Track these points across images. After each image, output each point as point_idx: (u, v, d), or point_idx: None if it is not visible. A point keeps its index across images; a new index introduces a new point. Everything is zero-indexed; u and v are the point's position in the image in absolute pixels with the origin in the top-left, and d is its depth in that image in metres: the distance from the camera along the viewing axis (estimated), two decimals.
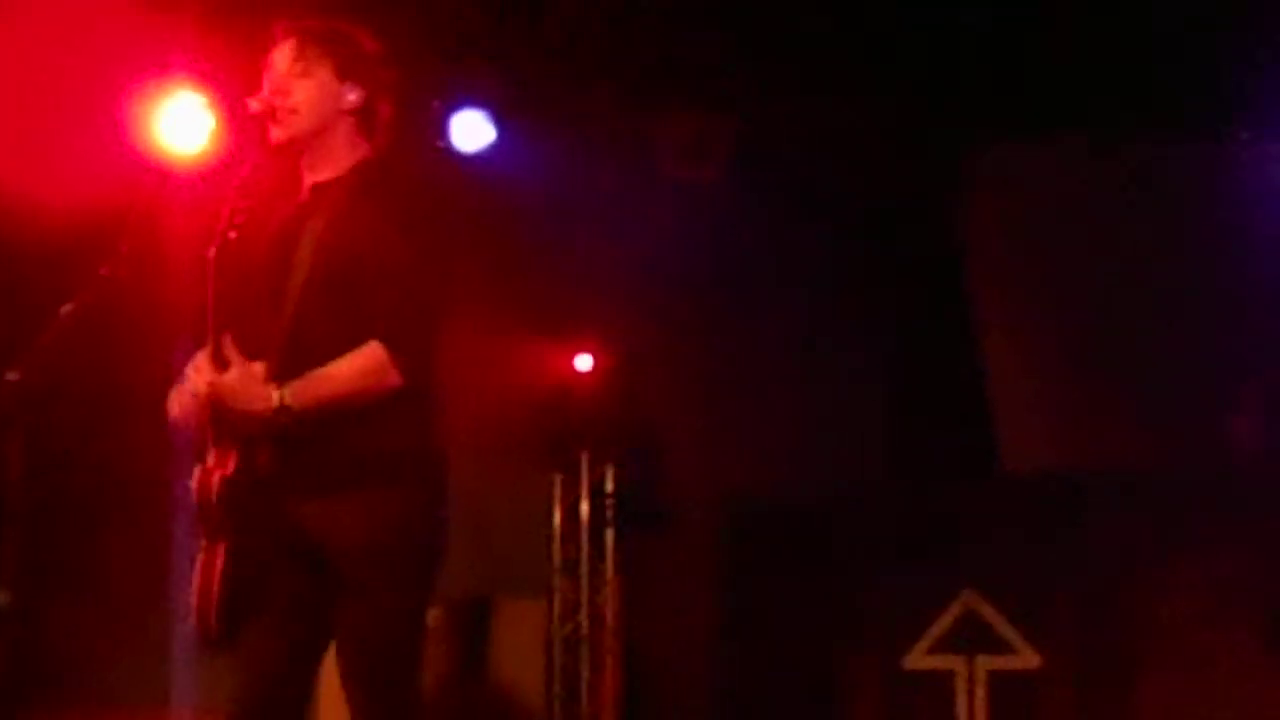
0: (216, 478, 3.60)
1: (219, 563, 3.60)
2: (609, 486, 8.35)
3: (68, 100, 6.16)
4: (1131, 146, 7.41)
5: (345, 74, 3.84)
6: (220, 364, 3.61)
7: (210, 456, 3.64)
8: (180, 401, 3.78)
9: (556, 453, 8.38)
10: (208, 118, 6.10)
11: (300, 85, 3.81)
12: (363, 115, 3.86)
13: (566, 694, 8.19)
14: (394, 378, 3.63)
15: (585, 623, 8.25)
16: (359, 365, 3.63)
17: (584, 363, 8.26)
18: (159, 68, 6.14)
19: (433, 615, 7.62)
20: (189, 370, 3.67)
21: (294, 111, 3.79)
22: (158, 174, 5.15)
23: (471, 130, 7.36)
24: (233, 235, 3.65)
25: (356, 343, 3.64)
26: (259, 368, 3.66)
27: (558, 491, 8.40)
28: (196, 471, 3.64)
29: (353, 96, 3.84)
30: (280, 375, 3.65)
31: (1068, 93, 7.06)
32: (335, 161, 3.82)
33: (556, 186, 7.59)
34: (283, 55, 3.84)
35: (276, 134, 3.81)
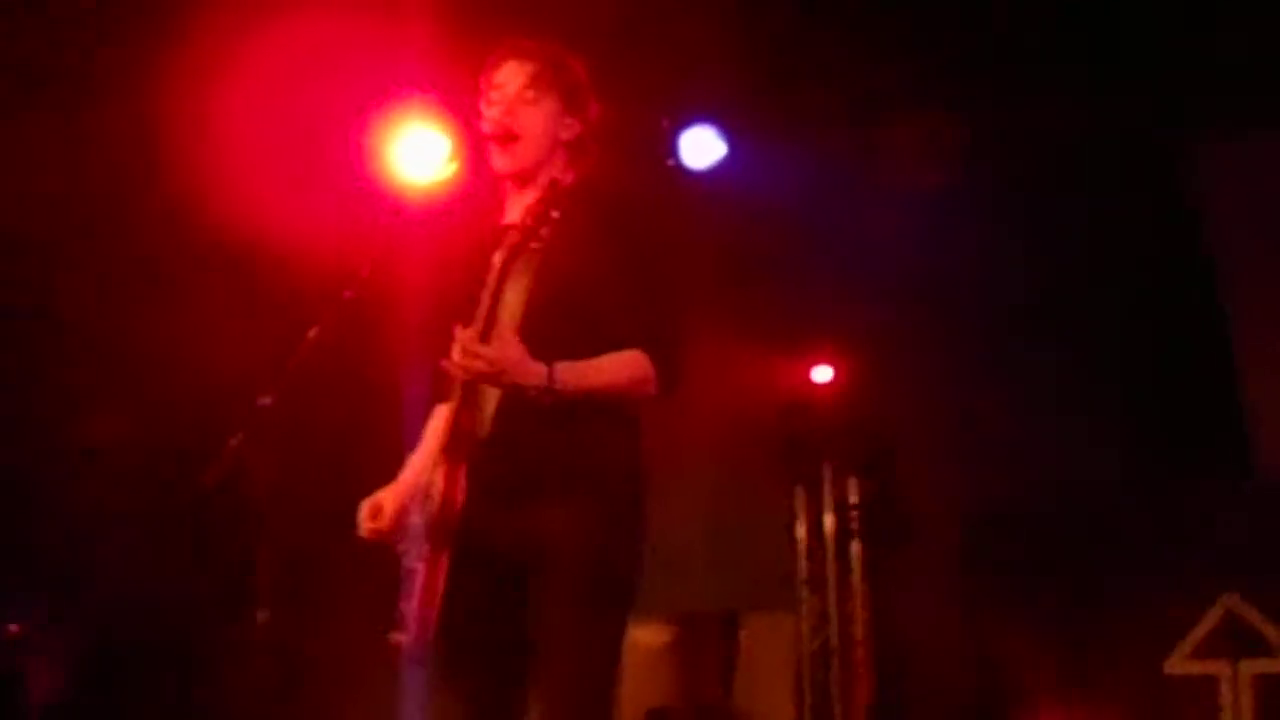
0: (460, 494, 3.64)
1: (441, 577, 3.64)
2: (852, 498, 8.28)
3: (309, 127, 6.35)
4: None
5: (569, 107, 3.87)
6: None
7: (440, 473, 3.69)
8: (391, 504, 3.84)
9: (798, 466, 8.34)
10: (443, 146, 6.22)
11: (530, 114, 3.83)
12: (574, 147, 3.90)
13: (818, 708, 8.13)
14: (652, 388, 3.67)
15: (834, 635, 8.19)
16: (627, 367, 3.66)
17: (822, 374, 8.21)
18: (397, 99, 6.29)
19: (680, 631, 7.74)
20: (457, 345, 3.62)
21: (520, 138, 3.82)
22: (395, 200, 5.29)
23: (701, 147, 7.38)
24: (535, 245, 3.63)
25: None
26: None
27: (801, 505, 8.36)
28: (437, 487, 3.68)
29: (571, 129, 3.87)
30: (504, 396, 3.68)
31: None
32: (554, 181, 3.80)
33: (788, 198, 7.56)
34: (513, 78, 3.85)
35: (501, 161, 3.85)
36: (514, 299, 3.69)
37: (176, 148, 6.40)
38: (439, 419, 3.84)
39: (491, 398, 3.69)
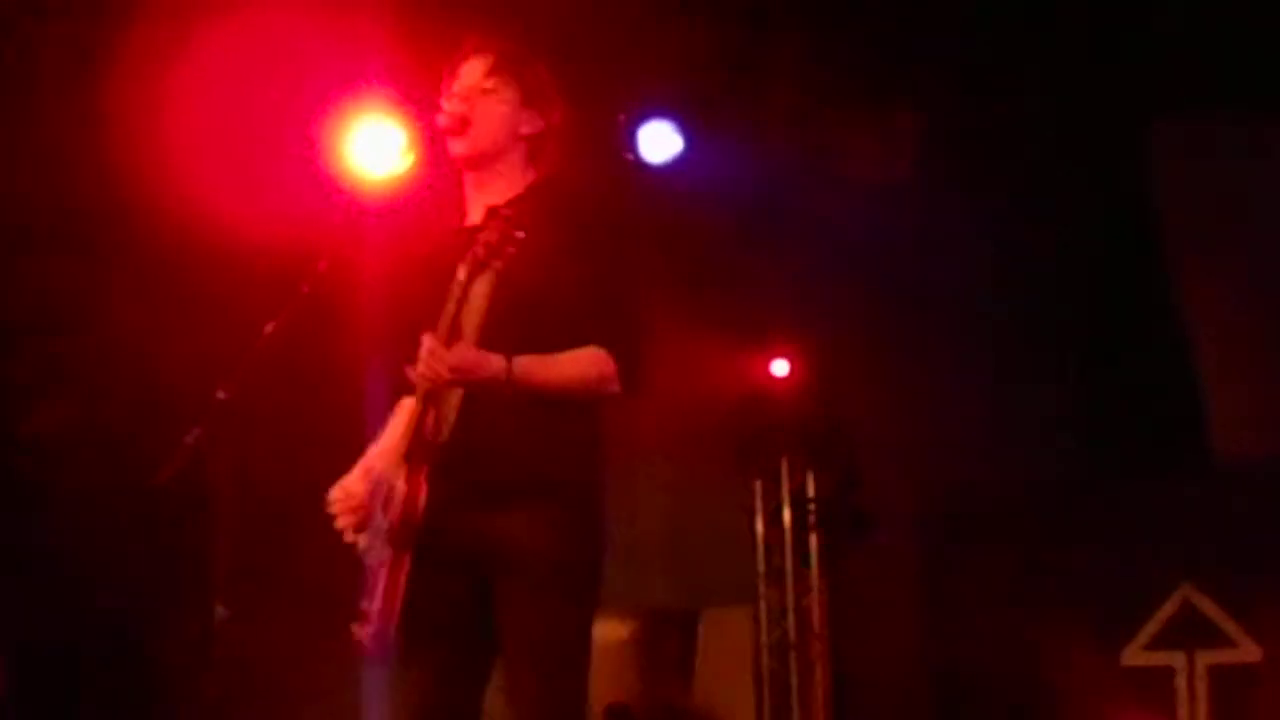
0: (421, 497, 3.64)
1: (403, 576, 3.64)
2: (810, 491, 8.30)
3: (267, 122, 6.32)
4: None
5: (529, 101, 3.86)
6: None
7: (402, 476, 3.67)
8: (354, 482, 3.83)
9: (756, 460, 8.35)
10: (399, 139, 6.20)
11: (486, 102, 3.82)
12: (535, 144, 3.88)
13: (776, 701, 8.15)
14: (614, 386, 3.68)
15: (792, 629, 8.21)
16: (587, 364, 3.66)
17: (780, 368, 8.23)
18: (353, 92, 6.27)
19: (640, 627, 7.74)
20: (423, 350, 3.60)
21: (475, 125, 3.81)
22: (353, 195, 5.27)
23: (659, 141, 7.39)
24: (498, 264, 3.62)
25: None
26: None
27: (759, 498, 8.37)
28: (400, 489, 3.68)
29: (531, 124, 3.86)
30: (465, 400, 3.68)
31: (1252, 61, 6.90)
32: (508, 185, 3.83)
33: (746, 192, 7.57)
34: (474, 70, 3.86)
35: (456, 147, 3.84)
36: (477, 302, 3.68)
37: (130, 140, 6.36)
38: (403, 413, 3.84)
39: (453, 400, 3.68)
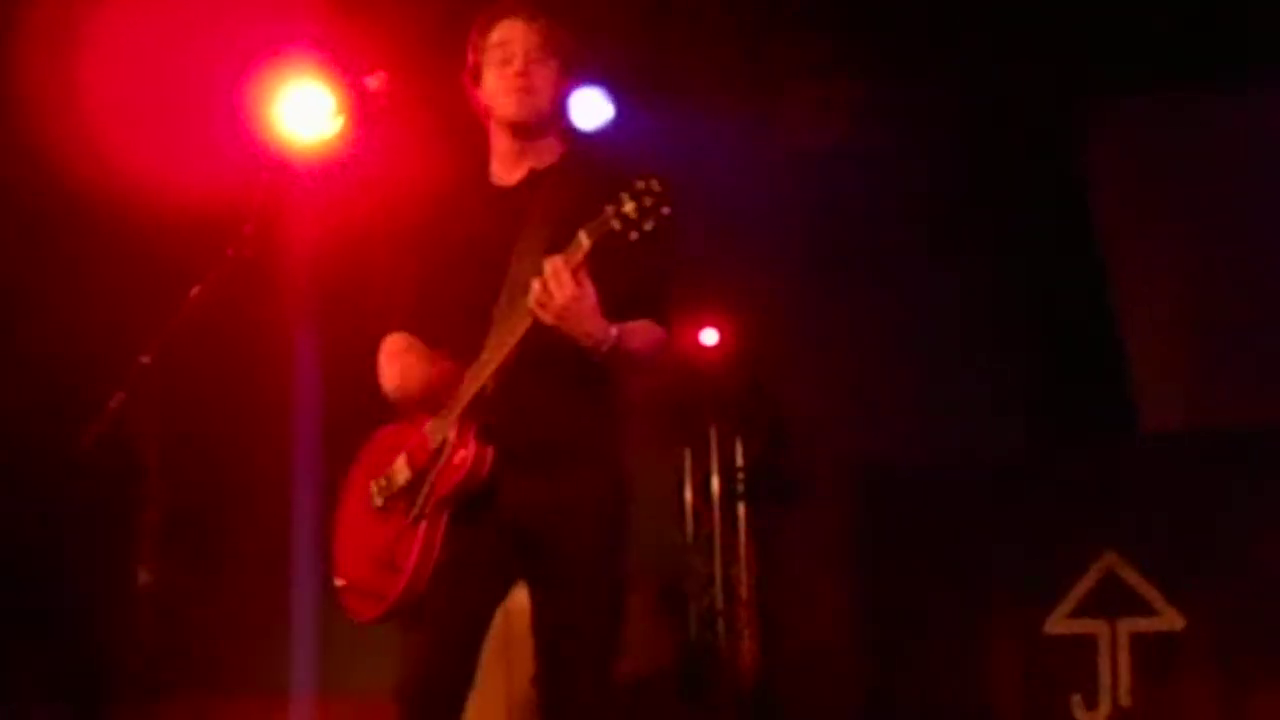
0: (489, 461, 3.65)
1: (440, 535, 3.66)
2: (739, 460, 8.33)
3: (190, 86, 6.26)
4: (1257, 94, 7.28)
5: (567, 72, 3.95)
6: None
7: (453, 430, 3.67)
8: (412, 370, 3.80)
9: (685, 428, 8.37)
10: (330, 103, 6.15)
11: (543, 71, 3.88)
12: (564, 109, 4.01)
13: (703, 668, 8.17)
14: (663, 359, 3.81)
15: (720, 596, 8.24)
16: (659, 335, 3.76)
17: (709, 337, 8.24)
18: (282, 54, 6.21)
19: None
20: (546, 272, 3.54)
21: (538, 92, 3.86)
22: (279, 158, 5.23)
23: (589, 108, 7.35)
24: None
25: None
26: None
27: (688, 466, 8.39)
28: (457, 449, 3.66)
29: (566, 94, 3.97)
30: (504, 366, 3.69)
31: (1183, 41, 6.96)
32: (550, 149, 3.91)
33: (675, 160, 7.55)
34: (528, 33, 3.90)
35: (516, 110, 3.87)
36: (523, 266, 3.69)
37: (52, 104, 6.29)
38: (415, 351, 3.82)
39: (490, 362, 3.68)
